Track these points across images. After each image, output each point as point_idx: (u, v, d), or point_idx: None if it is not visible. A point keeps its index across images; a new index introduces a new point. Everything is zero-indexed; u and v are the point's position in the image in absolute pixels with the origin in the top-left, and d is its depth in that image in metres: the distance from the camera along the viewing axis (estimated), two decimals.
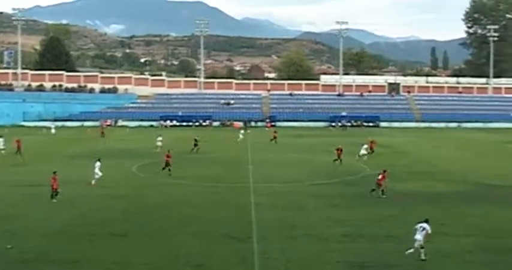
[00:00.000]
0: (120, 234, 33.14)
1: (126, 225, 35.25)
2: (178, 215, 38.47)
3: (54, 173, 42.55)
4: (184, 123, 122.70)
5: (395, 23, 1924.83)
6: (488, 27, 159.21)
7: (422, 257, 28.83)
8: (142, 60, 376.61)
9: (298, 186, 48.17)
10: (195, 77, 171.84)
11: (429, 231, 29.27)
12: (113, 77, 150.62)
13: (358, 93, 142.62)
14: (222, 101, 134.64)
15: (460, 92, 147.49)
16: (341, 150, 62.67)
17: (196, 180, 52.38)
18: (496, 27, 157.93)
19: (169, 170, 54.53)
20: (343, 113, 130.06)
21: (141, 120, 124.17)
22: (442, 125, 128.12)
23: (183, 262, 28.14)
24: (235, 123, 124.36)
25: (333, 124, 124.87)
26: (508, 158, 71.16)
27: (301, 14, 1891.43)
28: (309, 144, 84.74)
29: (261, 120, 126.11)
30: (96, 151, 70.20)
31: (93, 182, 48.59)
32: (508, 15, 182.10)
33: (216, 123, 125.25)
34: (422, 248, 29.05)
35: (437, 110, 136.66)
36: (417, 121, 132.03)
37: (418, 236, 29.19)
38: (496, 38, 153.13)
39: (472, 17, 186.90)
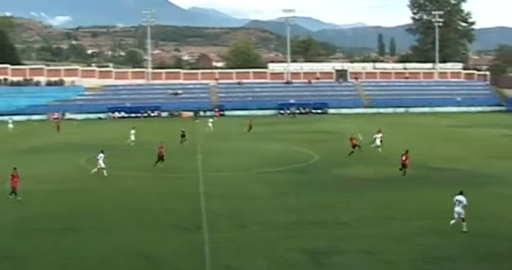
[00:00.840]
0: (70, 229, 32.70)
1: (76, 219, 34.81)
2: (127, 207, 38.14)
3: (14, 169, 41.45)
4: (132, 115, 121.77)
5: (342, 10, 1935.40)
6: (433, 13, 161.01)
7: (464, 229, 30.70)
8: (89, 52, 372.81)
9: (247, 175, 48.13)
10: (142, 67, 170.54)
11: (465, 203, 31.21)
12: (59, 70, 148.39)
13: (306, 81, 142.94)
14: (170, 91, 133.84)
15: (407, 78, 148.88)
16: (353, 140, 61.53)
17: (144, 171, 52.04)
18: (441, 12, 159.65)
19: (161, 162, 53.56)
20: (292, 101, 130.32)
21: (89, 112, 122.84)
22: (390, 110, 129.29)
23: (133, 253, 27.93)
24: (183, 113, 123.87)
25: (282, 112, 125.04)
26: (454, 142, 72.08)
27: (248, 2, 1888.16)
28: (258, 133, 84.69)
29: (210, 110, 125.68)
30: (47, 145, 69.30)
31: (93, 171, 49.20)
32: (452, 1, 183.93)
33: (164, 114, 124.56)
34: (463, 221, 30.86)
35: (384, 95, 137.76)
36: (365, 107, 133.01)
37: (458, 209, 31.21)
38: (441, 24, 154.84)
39: (417, 3, 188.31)
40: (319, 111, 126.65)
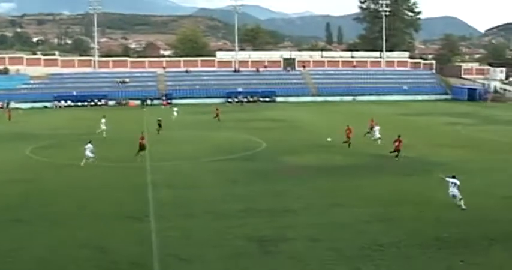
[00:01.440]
0: (18, 220, 32.38)
1: (24, 211, 34.44)
2: (74, 197, 37.86)
3: None
4: (79, 103, 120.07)
5: None
6: (381, 2, 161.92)
7: (463, 207, 33.40)
8: (34, 39, 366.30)
9: (195, 164, 48.11)
10: (89, 56, 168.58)
11: (459, 184, 33.99)
12: (4, 58, 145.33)
13: (254, 69, 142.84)
14: (118, 80, 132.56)
15: (354, 66, 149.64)
16: (350, 131, 60.19)
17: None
18: (388, 2, 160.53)
19: (141, 152, 52.07)
20: (240, 89, 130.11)
21: (35, 101, 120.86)
22: (338, 98, 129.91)
23: (82, 244, 27.81)
24: (131, 101, 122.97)
25: (230, 100, 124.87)
26: (401, 130, 72.63)
27: None
28: (206, 121, 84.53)
29: (158, 98, 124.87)
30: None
31: (82, 162, 48.11)
32: None
33: (111, 103, 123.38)
34: (461, 199, 33.64)
35: (332, 84, 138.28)
36: (313, 95, 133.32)
37: (455, 191, 33.81)
38: (387, 13, 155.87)
39: None
40: (267, 99, 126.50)
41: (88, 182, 42.86)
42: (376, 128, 61.98)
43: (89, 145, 49.04)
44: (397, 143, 50.91)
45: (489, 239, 28.26)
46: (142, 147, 51.95)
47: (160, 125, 70.60)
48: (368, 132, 63.25)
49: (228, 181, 42.55)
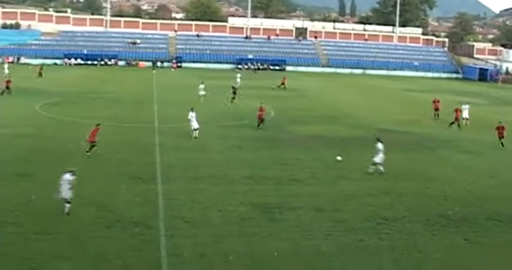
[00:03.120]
0: (24, 174, 32.57)
1: (30, 165, 34.63)
2: (81, 155, 37.87)
3: None
4: (89, 62, 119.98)
5: None
6: None
7: (382, 170, 35.68)
8: None
9: (203, 128, 48.00)
10: (101, 15, 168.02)
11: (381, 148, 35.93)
12: (15, 12, 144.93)
13: (266, 37, 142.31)
14: (128, 41, 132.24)
15: (366, 40, 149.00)
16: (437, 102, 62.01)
17: (100, 120, 51.48)
18: None
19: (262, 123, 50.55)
20: (250, 56, 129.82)
21: (45, 58, 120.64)
22: (347, 71, 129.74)
23: (87, 202, 27.86)
24: (141, 63, 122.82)
25: (240, 67, 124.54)
26: (408, 105, 72.85)
27: None
28: (215, 86, 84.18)
29: (168, 61, 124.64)
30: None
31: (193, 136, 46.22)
32: None
33: (121, 63, 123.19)
34: (374, 164, 35.84)
35: (343, 56, 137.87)
36: (323, 66, 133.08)
37: (377, 159, 35.71)
38: None
39: None
40: (277, 67, 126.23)
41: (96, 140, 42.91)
42: (465, 106, 58.95)
43: (192, 113, 45.96)
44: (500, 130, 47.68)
45: (493, 219, 28.29)
46: (261, 120, 50.12)
47: (235, 93, 66.58)
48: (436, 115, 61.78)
49: (235, 147, 42.63)
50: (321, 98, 76.23)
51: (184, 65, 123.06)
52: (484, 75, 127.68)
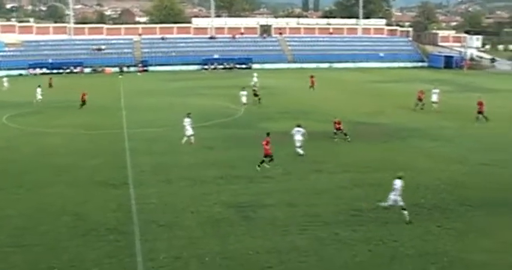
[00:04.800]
0: None
1: (0, 178, 34.38)
2: (52, 164, 37.76)
3: None
4: (54, 71, 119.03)
5: None
6: None
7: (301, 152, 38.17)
8: (8, 6, 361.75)
9: (173, 130, 47.88)
10: (64, 22, 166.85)
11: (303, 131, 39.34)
12: None
13: (230, 36, 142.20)
14: (93, 47, 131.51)
15: (331, 33, 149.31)
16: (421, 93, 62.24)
17: (69, 128, 51.38)
18: None
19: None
20: (216, 56, 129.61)
21: (10, 69, 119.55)
22: (314, 65, 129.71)
23: (60, 211, 27.84)
24: (106, 69, 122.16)
25: (206, 67, 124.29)
26: (377, 97, 73.15)
27: None
28: (183, 88, 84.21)
29: (134, 65, 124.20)
30: None
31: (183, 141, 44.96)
32: None
33: (87, 70, 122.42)
34: (300, 147, 38.93)
35: (308, 50, 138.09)
36: (289, 62, 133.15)
37: (298, 137, 39.07)
38: None
39: None
40: (243, 66, 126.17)
41: (64, 149, 42.79)
42: (435, 91, 62.35)
43: (187, 119, 44.53)
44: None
45: (465, 204, 28.64)
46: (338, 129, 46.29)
47: (256, 95, 66.03)
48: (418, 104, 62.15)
49: (206, 148, 42.60)
50: (289, 94, 76.32)
51: (150, 68, 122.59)
52: (449, 63, 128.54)
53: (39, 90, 68.02)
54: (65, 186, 32.18)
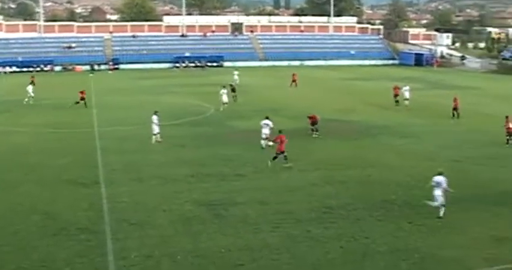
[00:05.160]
0: None
1: None
2: (21, 163, 37.41)
3: None
4: (24, 69, 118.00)
5: None
6: None
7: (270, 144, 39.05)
8: None
9: (144, 129, 47.66)
10: (34, 20, 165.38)
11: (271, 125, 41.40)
12: None
13: (202, 34, 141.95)
14: (64, 45, 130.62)
15: (302, 31, 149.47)
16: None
17: (38, 127, 50.95)
18: None
19: None
20: (187, 54, 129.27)
21: None
22: (285, 63, 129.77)
23: (30, 211, 27.59)
24: (77, 67, 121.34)
25: (177, 65, 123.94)
26: (348, 94, 73.44)
27: None
28: (154, 86, 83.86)
29: (105, 63, 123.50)
30: None
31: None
32: None
33: (58, 68, 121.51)
34: (267, 139, 40.38)
35: (280, 48, 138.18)
36: (261, 60, 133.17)
37: (265, 130, 40.99)
38: None
39: None
40: (214, 64, 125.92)
41: (34, 147, 42.43)
42: (406, 88, 62.98)
43: (155, 116, 44.11)
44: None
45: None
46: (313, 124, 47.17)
47: (234, 90, 66.53)
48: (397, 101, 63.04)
49: (177, 146, 42.52)
50: (261, 91, 76.38)
51: (121, 66, 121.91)
52: (419, 60, 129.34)
53: (30, 87, 67.24)
54: (35, 186, 31.92)
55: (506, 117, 44.01)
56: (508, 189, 31.39)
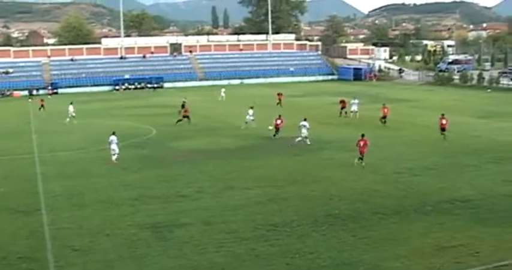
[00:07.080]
0: None
1: None
2: None
3: None
4: None
5: None
6: None
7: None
8: None
9: (85, 153, 47.32)
10: None
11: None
12: None
13: (141, 55, 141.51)
14: (0, 70, 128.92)
15: (241, 50, 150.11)
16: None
17: None
18: None
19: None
20: (127, 76, 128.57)
21: None
22: (225, 82, 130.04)
23: None
24: (15, 92, 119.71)
25: (117, 87, 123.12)
26: (289, 111, 73.68)
27: None
28: (94, 110, 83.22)
29: (43, 88, 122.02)
30: None
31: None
32: None
33: None
34: (306, 138, 47.71)
35: (219, 67, 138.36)
36: (201, 80, 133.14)
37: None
38: None
39: None
40: (155, 85, 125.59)
41: None
42: (355, 101, 67.29)
43: (113, 137, 44.90)
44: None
45: (379, 213, 29.15)
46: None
47: (183, 106, 68.34)
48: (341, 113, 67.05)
49: (119, 169, 42.14)
50: (202, 111, 76.14)
51: (60, 90, 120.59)
52: (358, 75, 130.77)
53: (71, 107, 68.79)
54: None
55: (442, 114, 50.50)
56: (448, 198, 31.89)
